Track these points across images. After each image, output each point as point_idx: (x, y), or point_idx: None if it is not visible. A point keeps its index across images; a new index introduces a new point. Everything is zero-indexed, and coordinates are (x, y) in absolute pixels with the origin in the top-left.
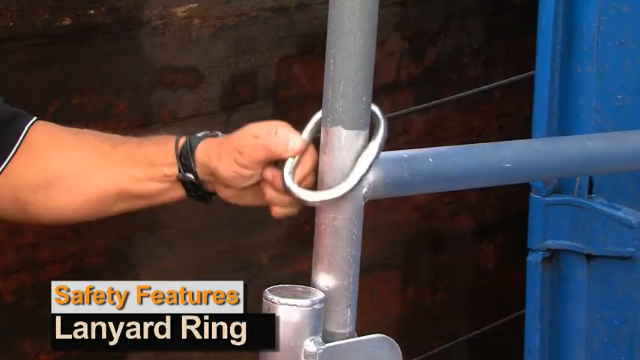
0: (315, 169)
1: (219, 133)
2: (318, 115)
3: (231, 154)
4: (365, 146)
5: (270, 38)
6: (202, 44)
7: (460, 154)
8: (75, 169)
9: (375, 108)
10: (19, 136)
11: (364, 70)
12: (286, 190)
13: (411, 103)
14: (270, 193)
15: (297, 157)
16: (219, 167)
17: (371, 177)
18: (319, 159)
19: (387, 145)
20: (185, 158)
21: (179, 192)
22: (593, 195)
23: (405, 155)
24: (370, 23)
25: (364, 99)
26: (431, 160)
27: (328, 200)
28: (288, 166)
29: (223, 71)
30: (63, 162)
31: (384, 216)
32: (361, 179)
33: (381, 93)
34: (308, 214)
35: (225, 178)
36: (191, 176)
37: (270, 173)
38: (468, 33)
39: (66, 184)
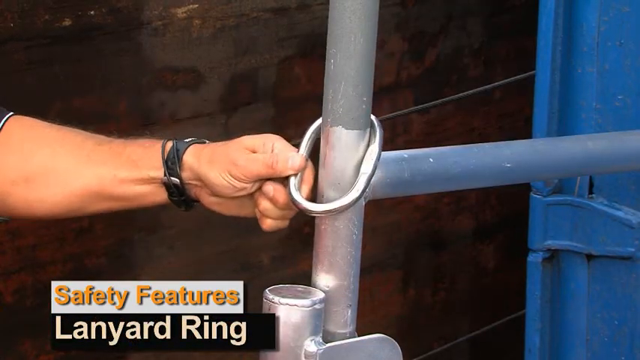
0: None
1: (206, 141)
2: (314, 126)
3: (224, 165)
4: (366, 146)
5: (270, 39)
6: (202, 45)
7: (460, 154)
8: (57, 164)
9: (374, 118)
10: None
11: (364, 71)
12: (295, 205)
13: (412, 103)
14: (265, 206)
15: (299, 174)
16: (209, 174)
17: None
18: (320, 156)
19: (388, 145)
20: (172, 162)
21: (161, 196)
22: (593, 195)
23: (406, 155)
24: (370, 23)
25: (364, 99)
26: (431, 160)
27: (335, 209)
28: (293, 182)
29: (223, 72)
30: (45, 156)
31: (384, 216)
32: (365, 188)
33: (381, 93)
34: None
35: (214, 186)
36: (176, 180)
37: (271, 188)
38: (468, 33)
39: (47, 179)
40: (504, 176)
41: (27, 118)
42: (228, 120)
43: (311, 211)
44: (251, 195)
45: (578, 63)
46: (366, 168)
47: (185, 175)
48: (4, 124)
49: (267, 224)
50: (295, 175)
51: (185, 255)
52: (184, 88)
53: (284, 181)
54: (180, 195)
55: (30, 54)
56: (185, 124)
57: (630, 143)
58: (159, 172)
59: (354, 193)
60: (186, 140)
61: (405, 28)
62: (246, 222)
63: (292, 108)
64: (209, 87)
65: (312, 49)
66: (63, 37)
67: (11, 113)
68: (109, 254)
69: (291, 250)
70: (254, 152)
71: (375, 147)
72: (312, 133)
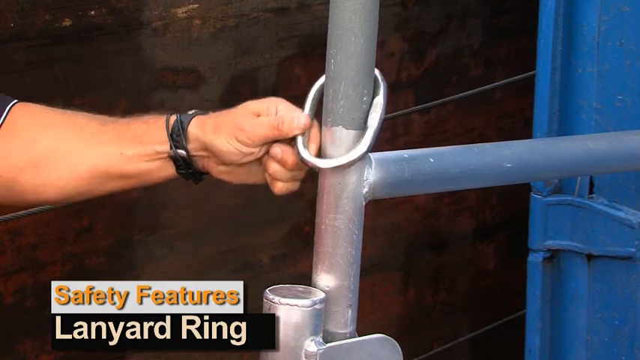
0: None
1: (210, 112)
2: (317, 84)
3: (231, 131)
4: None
5: (270, 39)
6: (203, 45)
7: (460, 154)
8: (63, 146)
9: (377, 72)
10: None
11: (365, 71)
12: (305, 163)
13: (412, 103)
14: (274, 169)
15: (306, 133)
16: (215, 142)
17: (371, 177)
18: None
19: (388, 145)
20: (177, 135)
21: (169, 170)
22: (593, 195)
23: (406, 155)
24: (370, 23)
25: (365, 99)
26: (431, 160)
27: (345, 164)
28: (301, 142)
29: (224, 72)
30: (50, 140)
31: (384, 216)
32: (372, 142)
33: None
34: (308, 214)
35: (222, 153)
36: (183, 152)
37: (279, 149)
38: (468, 33)
39: (54, 162)
40: (504, 176)
41: (31, 104)
42: None
43: (320, 168)
44: (259, 160)
45: (579, 63)
46: (372, 121)
47: (191, 146)
48: (9, 111)
49: (279, 187)
50: (302, 134)
51: (185, 255)
52: (184, 88)
53: (291, 142)
54: (187, 167)
55: (30, 54)
56: None
57: (630, 143)
58: (165, 146)
59: (362, 147)
60: (190, 112)
61: (405, 28)
62: (246, 222)
63: None
64: (209, 87)
65: (312, 49)
66: (63, 37)
67: (15, 100)
68: (109, 254)
69: (292, 250)
70: (259, 116)
71: (379, 99)
72: (316, 92)
